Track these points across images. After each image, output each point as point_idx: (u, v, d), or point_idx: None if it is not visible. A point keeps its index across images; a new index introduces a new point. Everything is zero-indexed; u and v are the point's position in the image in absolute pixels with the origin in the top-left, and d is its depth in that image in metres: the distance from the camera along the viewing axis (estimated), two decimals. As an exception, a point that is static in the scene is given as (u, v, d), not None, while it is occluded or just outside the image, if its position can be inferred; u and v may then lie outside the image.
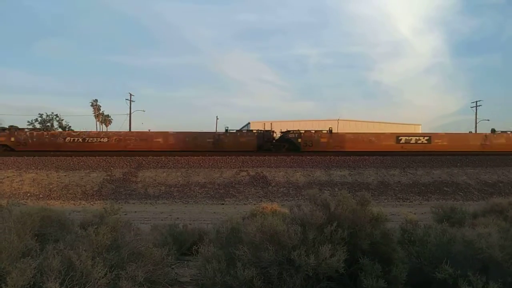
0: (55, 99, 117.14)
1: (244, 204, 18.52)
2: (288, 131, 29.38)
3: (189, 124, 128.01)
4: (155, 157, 25.23)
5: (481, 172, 23.36)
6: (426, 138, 28.85)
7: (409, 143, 28.42)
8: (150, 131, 31.70)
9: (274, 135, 30.32)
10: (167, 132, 29.44)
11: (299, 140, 28.17)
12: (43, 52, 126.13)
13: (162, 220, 13.06)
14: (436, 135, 29.75)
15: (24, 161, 24.14)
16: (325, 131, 28.65)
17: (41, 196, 20.37)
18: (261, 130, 30.11)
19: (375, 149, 27.51)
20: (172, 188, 21.37)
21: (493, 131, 29.88)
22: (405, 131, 42.56)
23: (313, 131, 28.85)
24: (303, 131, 28.84)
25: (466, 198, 20.16)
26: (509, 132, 29.56)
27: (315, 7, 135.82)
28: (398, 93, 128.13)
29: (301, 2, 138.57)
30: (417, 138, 28.99)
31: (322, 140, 28.21)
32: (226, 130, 29.36)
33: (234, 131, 29.66)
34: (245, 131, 29.20)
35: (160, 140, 28.89)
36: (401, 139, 28.64)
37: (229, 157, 25.31)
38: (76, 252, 3.58)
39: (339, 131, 35.36)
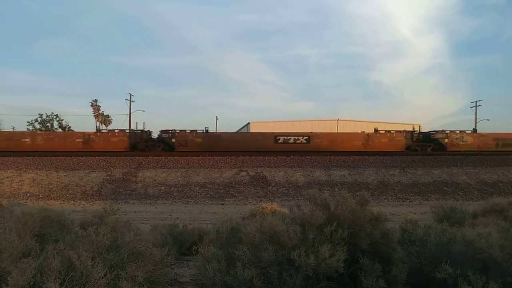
0: (55, 99, 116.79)
1: (244, 204, 18.53)
2: (163, 131, 29.10)
3: (189, 124, 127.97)
4: (154, 157, 25.26)
5: (481, 172, 23.38)
6: (305, 138, 28.75)
7: (287, 143, 28.44)
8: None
9: (151, 135, 29.97)
10: (35, 131, 29.08)
11: (173, 140, 28.06)
12: (43, 53, 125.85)
13: (162, 220, 13.07)
14: (315, 135, 29.69)
15: (24, 161, 24.15)
16: (201, 131, 28.55)
17: (41, 196, 20.36)
18: (134, 130, 29.57)
19: (252, 149, 27.47)
20: (172, 188, 21.37)
21: (376, 130, 29.83)
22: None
23: (188, 131, 28.68)
24: (178, 131, 28.68)
25: (466, 198, 20.16)
26: (392, 132, 29.57)
27: (315, 7, 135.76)
28: (398, 93, 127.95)
29: (301, 2, 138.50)
30: (296, 138, 28.85)
31: (197, 140, 28.15)
32: (97, 130, 28.75)
33: (106, 130, 28.92)
34: (117, 130, 28.69)
35: (27, 140, 28.35)
36: (279, 139, 28.62)
37: (229, 157, 25.33)
38: (76, 252, 3.59)
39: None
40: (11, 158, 24.70)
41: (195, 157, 25.38)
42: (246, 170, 23.35)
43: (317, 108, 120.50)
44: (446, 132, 29.31)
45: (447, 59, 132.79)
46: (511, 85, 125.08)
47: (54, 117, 58.77)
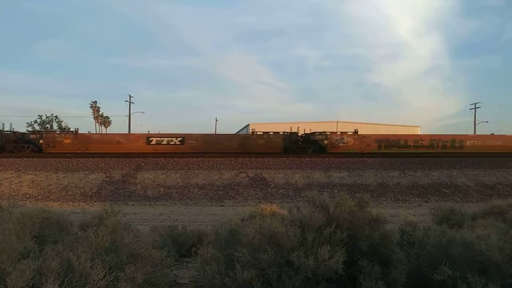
0: (55, 100, 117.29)
1: (243, 205, 18.49)
2: (30, 132, 28.73)
3: (188, 125, 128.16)
4: (154, 159, 25.22)
5: (480, 174, 23.37)
6: (179, 139, 28.62)
7: (160, 144, 28.38)
8: (149, 132, 31.50)
9: (21, 136, 29.20)
10: None
11: (41, 141, 27.79)
12: (43, 54, 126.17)
13: (161, 221, 13.05)
14: (190, 136, 29.47)
15: (23, 163, 24.11)
16: (71, 132, 28.31)
17: (40, 197, 20.33)
18: (2, 131, 28.78)
19: (124, 150, 27.30)
20: (171, 189, 21.34)
21: (253, 132, 29.68)
22: (404, 132, 42.44)
23: (57, 132, 28.50)
24: (46, 132, 28.49)
25: (465, 199, 20.14)
26: (270, 133, 29.48)
27: (315, 9, 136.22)
28: (397, 95, 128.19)
29: (301, 3, 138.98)
30: (170, 139, 28.73)
31: (66, 141, 27.87)
32: None
33: None
34: None
35: None
36: (152, 140, 28.49)
37: (228, 159, 25.30)
38: (75, 253, 3.58)
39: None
40: (10, 159, 24.67)
41: (195, 159, 25.34)
42: (246, 171, 23.33)
43: (316, 110, 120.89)
44: (326, 133, 29.29)
45: (446, 60, 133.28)
46: (510, 87, 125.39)
47: (54, 118, 58.93)
